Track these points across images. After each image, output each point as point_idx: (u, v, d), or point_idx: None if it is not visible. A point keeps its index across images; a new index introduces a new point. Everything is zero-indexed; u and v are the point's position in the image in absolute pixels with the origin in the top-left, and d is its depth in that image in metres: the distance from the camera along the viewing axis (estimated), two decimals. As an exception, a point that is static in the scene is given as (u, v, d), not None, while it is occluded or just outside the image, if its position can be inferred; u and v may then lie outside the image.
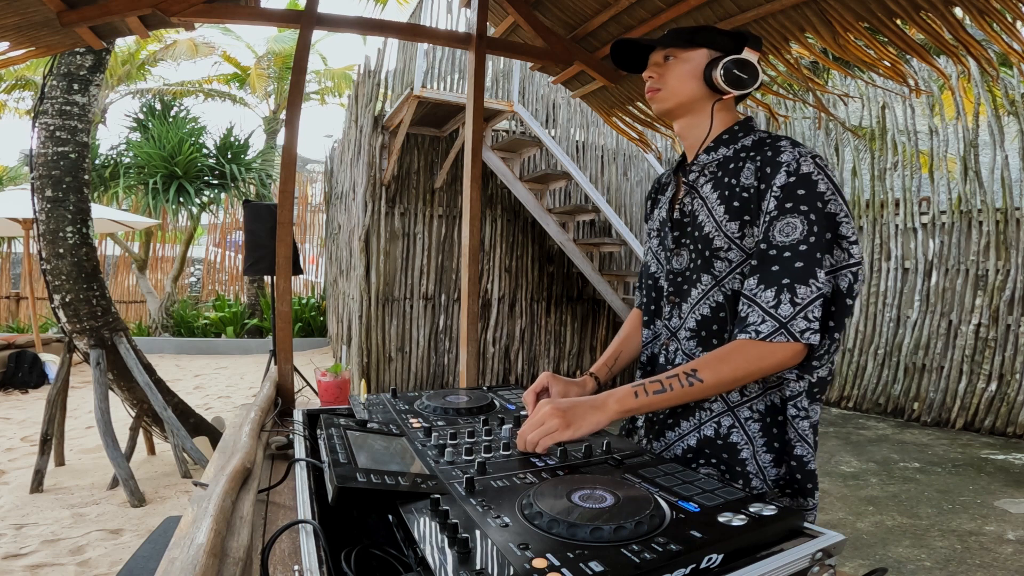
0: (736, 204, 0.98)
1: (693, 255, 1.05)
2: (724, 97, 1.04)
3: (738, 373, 0.92)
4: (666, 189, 1.19)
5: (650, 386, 0.93)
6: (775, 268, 0.92)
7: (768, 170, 0.95)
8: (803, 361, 0.94)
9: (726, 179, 1.01)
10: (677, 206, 1.10)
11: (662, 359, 1.12)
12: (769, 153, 0.96)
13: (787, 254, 0.91)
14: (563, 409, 0.90)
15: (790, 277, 0.90)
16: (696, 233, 1.04)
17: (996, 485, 3.55)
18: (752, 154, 0.99)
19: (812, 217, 0.91)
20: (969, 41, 1.54)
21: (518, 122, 6.16)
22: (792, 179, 0.93)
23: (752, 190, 0.96)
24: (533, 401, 1.08)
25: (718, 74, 1.00)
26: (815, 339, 0.90)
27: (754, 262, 0.95)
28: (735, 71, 1.00)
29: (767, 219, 0.94)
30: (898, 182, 5.48)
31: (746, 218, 0.97)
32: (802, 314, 0.90)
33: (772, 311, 0.91)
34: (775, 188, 0.94)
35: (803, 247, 0.91)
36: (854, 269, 0.94)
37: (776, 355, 0.91)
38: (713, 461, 1.02)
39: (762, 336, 0.91)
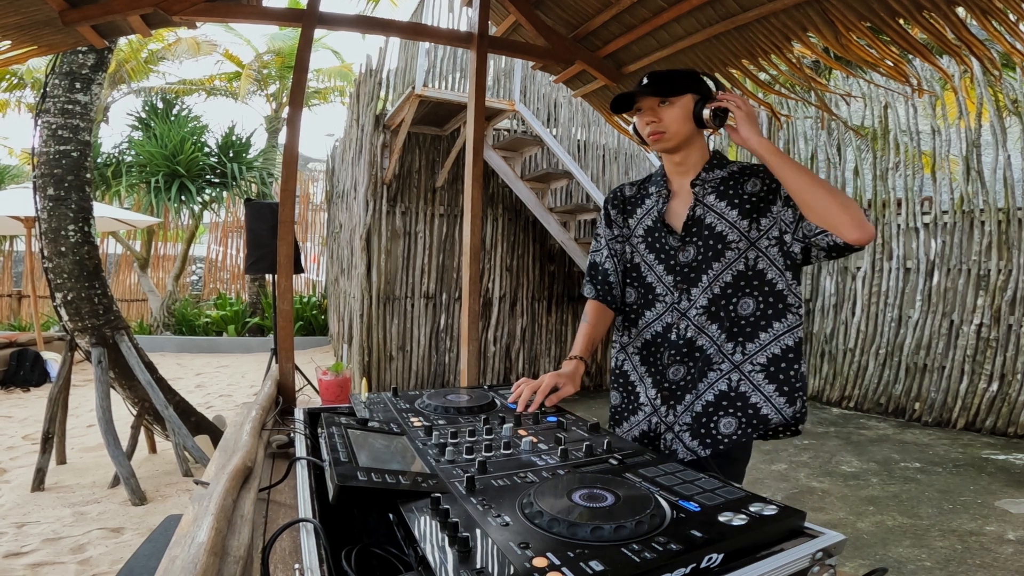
0: (747, 207, 1.27)
1: (702, 249, 1.29)
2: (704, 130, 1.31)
3: (835, 201, 1.11)
4: (643, 201, 1.41)
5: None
6: None
7: (769, 180, 1.26)
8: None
9: (731, 191, 1.29)
10: (688, 212, 1.32)
11: (673, 335, 1.32)
12: (762, 172, 1.27)
13: None
14: (751, 112, 1.23)
15: None
16: (706, 232, 1.29)
17: (997, 485, 3.55)
18: (748, 174, 1.29)
19: None
20: (972, 41, 1.54)
21: (519, 121, 6.16)
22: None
23: (762, 193, 1.26)
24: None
25: (708, 116, 1.26)
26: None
27: (790, 216, 1.21)
28: (719, 114, 1.27)
29: (784, 192, 1.22)
30: (900, 182, 5.47)
31: (755, 215, 1.26)
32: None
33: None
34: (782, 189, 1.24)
35: None
36: None
37: (866, 227, 1.10)
38: (731, 411, 1.25)
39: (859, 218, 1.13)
